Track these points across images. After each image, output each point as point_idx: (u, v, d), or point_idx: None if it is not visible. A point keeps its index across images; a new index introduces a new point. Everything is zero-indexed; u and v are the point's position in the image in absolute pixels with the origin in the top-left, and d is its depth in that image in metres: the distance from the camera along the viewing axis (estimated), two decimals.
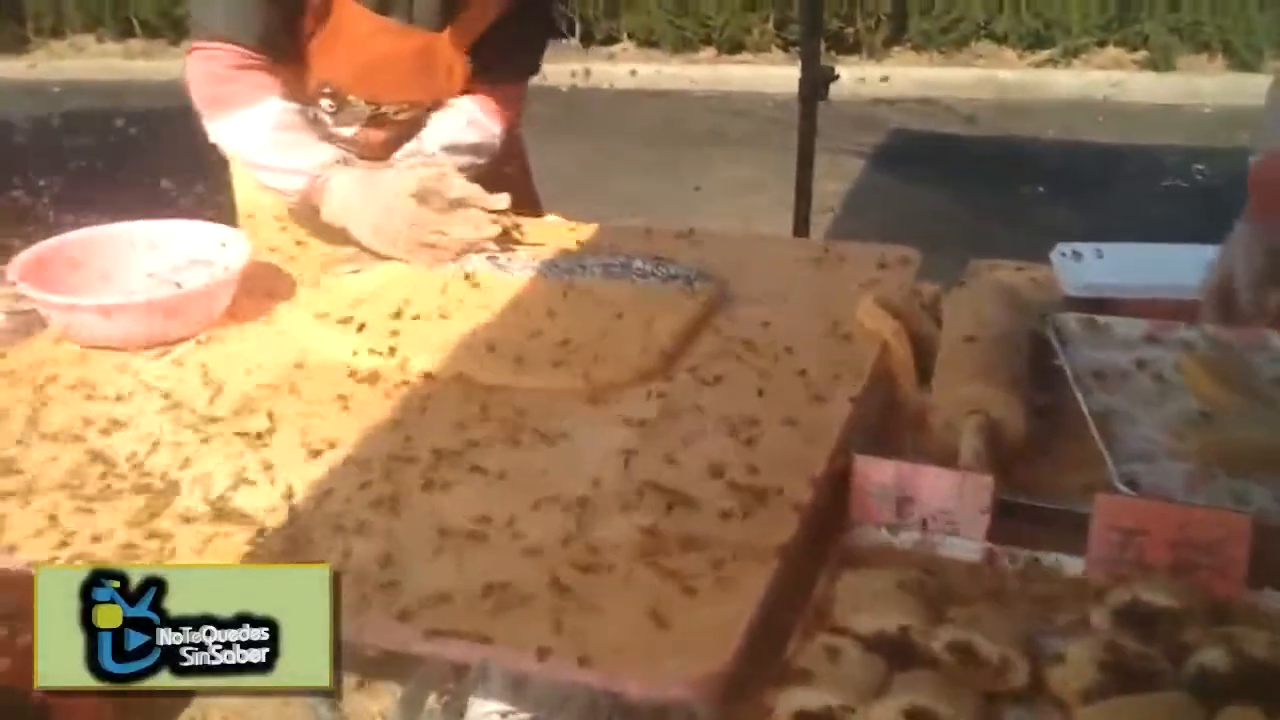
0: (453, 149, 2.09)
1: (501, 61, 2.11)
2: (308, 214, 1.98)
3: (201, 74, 1.95)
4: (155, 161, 5.46)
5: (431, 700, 1.96)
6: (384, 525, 1.27)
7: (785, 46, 7.21)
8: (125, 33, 8.24)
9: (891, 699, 1.00)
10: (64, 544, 1.25)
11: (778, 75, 6.54)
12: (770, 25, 7.24)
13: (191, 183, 4.69)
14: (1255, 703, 0.98)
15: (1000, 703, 1.04)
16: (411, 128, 2.13)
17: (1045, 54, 6.91)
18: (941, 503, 1.27)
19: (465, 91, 2.12)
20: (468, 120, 2.12)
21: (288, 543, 1.25)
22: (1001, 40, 7.07)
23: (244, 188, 2.16)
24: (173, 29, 8.07)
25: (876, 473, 1.30)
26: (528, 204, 2.25)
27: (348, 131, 2.10)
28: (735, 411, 1.46)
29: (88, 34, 8.31)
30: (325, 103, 2.07)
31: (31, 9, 8.24)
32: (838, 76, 3.49)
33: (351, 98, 2.06)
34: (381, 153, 2.11)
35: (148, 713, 2.02)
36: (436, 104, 2.13)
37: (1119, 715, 0.99)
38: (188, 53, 1.98)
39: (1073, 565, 1.21)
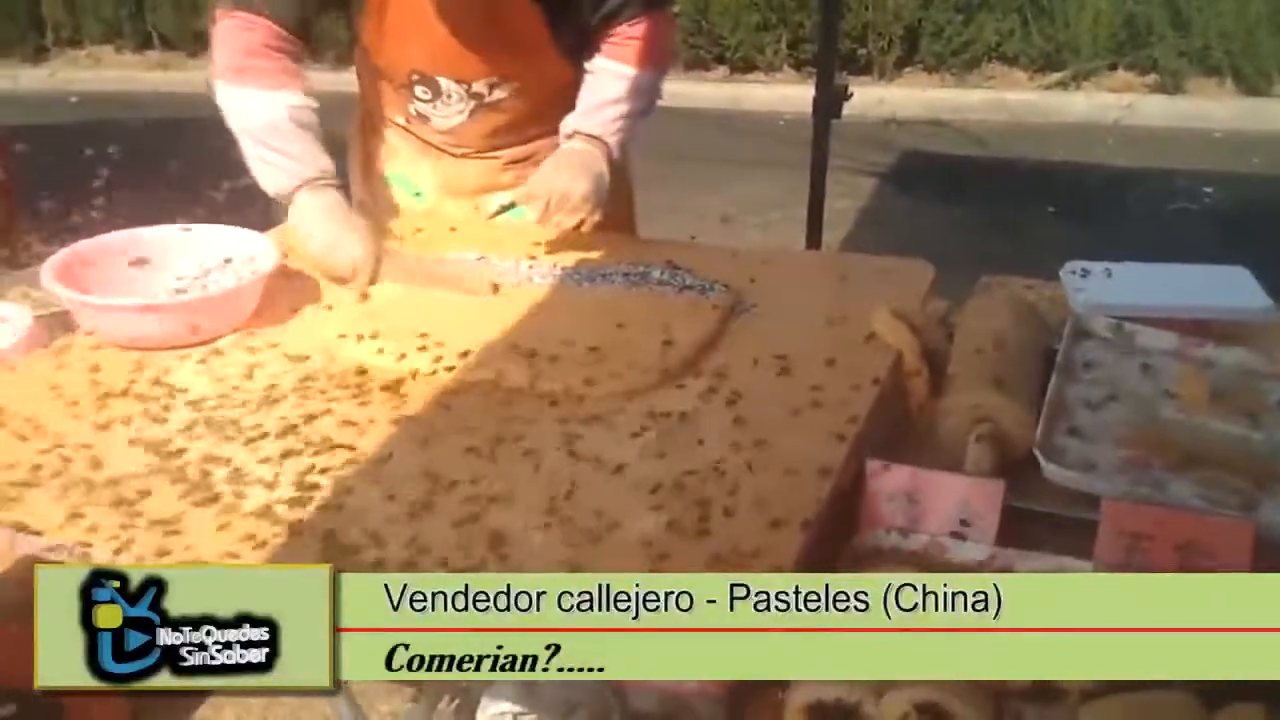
0: (593, 112, 2.02)
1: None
2: None
3: (233, 42, 1.96)
4: (172, 171, 5.52)
5: (444, 702, 1.99)
6: (409, 527, 1.30)
7: (798, 66, 7.24)
8: (143, 44, 8.30)
9: (901, 693, 1.03)
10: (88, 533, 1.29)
11: (790, 94, 6.57)
12: (783, 45, 7.28)
13: (211, 191, 4.73)
14: (1257, 700, 1.00)
15: (1006, 699, 1.07)
16: (516, 116, 2.09)
17: (1056, 77, 6.93)
18: (951, 508, 1.31)
19: (574, 52, 2.05)
20: (595, 75, 2.04)
21: (317, 542, 1.28)
22: (1012, 63, 7.09)
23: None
24: (191, 41, 8.12)
25: (888, 478, 1.33)
26: (619, 215, 2.23)
27: (450, 123, 2.09)
28: (751, 417, 1.50)
29: (106, 45, 8.37)
30: (420, 90, 2.06)
31: (50, 19, 8.30)
32: (852, 94, 3.51)
33: (440, 80, 2.03)
34: (486, 145, 2.10)
35: (159, 714, 2.04)
36: (528, 76, 2.06)
37: (1122, 712, 1.02)
38: (218, 16, 1.97)
39: (1081, 570, 1.24)
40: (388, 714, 2.29)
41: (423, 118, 2.11)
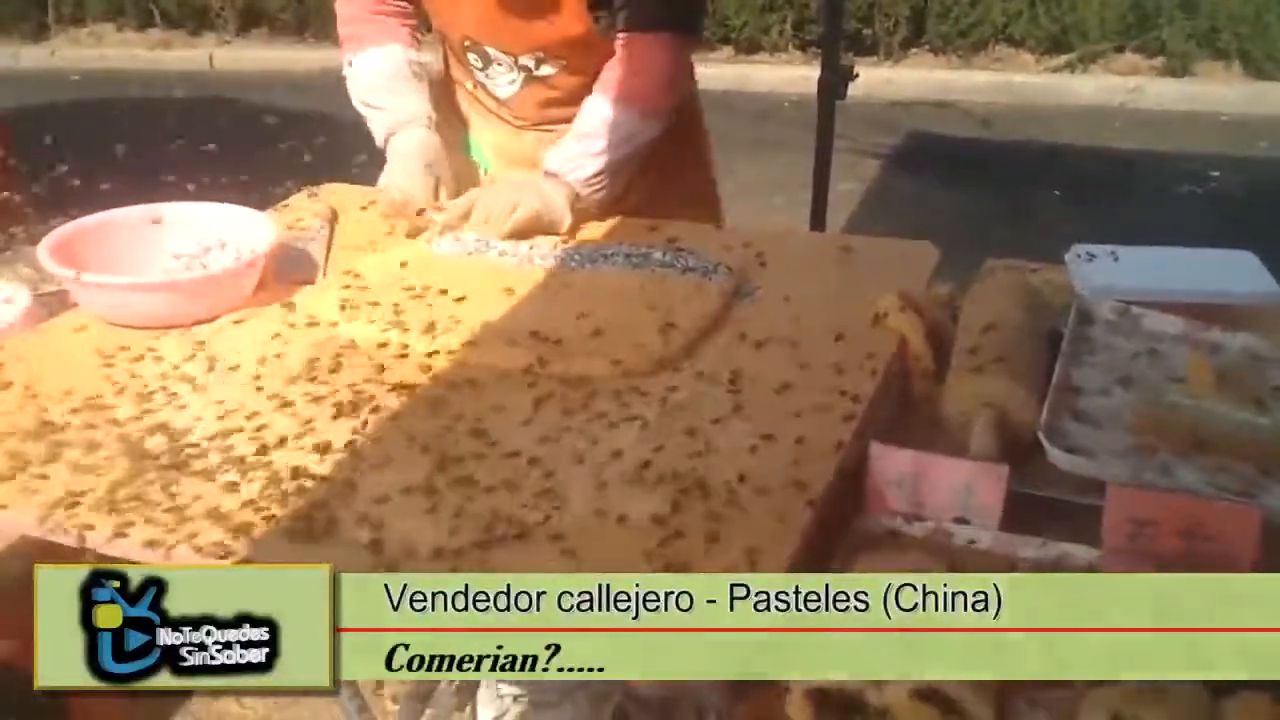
0: (563, 145, 2.01)
1: (629, 7, 1.97)
2: None
3: (342, 14, 2.14)
4: (173, 150, 5.52)
5: (444, 683, 1.99)
6: (405, 508, 1.30)
7: (803, 47, 7.21)
8: (145, 22, 8.27)
9: (904, 678, 1.02)
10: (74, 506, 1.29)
11: (795, 76, 6.55)
12: (788, 26, 7.25)
13: (211, 170, 4.73)
14: (1264, 689, 0.99)
15: (1011, 684, 1.06)
16: (568, 93, 2.07)
17: (1063, 59, 6.91)
18: (955, 492, 1.30)
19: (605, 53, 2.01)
20: (588, 112, 2.00)
21: (314, 522, 1.27)
22: (1019, 44, 7.06)
23: None
24: (193, 19, 8.10)
25: (891, 462, 1.32)
26: (702, 205, 2.23)
27: (506, 92, 2.11)
28: (754, 398, 1.49)
29: (108, 23, 8.34)
30: (472, 57, 2.08)
31: None
32: (857, 75, 3.49)
33: (489, 49, 2.05)
34: (541, 118, 2.12)
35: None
36: (574, 56, 2.03)
37: (1127, 699, 1.01)
38: None
39: (1085, 555, 1.23)
40: (388, 697, 2.29)
41: (482, 85, 2.13)
